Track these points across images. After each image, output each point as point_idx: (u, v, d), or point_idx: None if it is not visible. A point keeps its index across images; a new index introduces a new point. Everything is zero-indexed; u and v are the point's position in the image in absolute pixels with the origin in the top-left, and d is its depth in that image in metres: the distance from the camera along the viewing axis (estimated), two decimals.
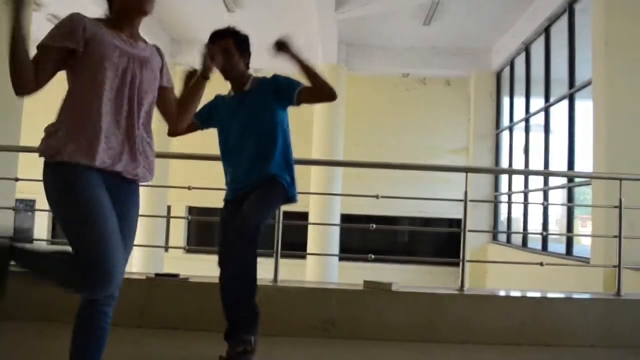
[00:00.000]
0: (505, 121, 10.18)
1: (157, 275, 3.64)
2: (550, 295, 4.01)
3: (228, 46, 2.74)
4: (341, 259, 10.86)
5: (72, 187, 1.81)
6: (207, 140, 3.46)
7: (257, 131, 2.76)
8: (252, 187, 2.72)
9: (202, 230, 14.00)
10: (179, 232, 13.63)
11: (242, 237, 2.56)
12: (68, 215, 1.82)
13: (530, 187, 8.76)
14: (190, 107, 2.22)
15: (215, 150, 2.93)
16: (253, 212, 2.63)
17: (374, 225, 4.03)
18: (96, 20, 1.97)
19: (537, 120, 8.51)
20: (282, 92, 2.76)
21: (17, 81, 1.82)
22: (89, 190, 1.81)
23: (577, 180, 6.85)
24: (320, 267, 10.04)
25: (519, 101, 9.48)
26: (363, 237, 12.01)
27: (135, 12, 2.01)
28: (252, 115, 2.76)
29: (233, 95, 2.88)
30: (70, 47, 1.86)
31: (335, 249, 10.24)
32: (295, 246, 9.32)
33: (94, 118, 1.85)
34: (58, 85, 2.02)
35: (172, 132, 2.39)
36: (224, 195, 2.91)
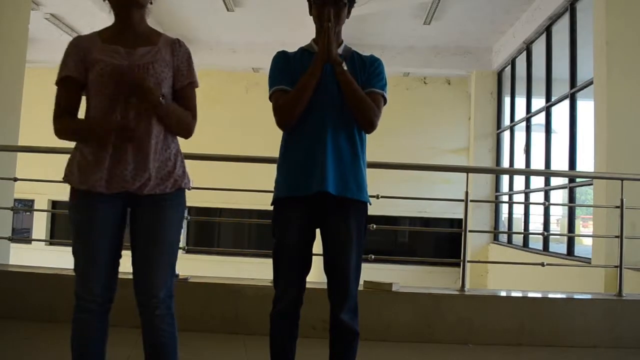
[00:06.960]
0: (506, 121, 10.15)
1: None
2: (551, 295, 4.01)
3: None
4: None
5: (69, 209, 1.92)
6: None
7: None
8: (339, 197, 2.20)
9: (202, 230, 13.96)
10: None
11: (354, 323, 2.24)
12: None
13: (531, 187, 8.74)
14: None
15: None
16: (355, 291, 2.26)
17: (374, 226, 4.00)
18: (95, 35, 1.92)
19: (538, 120, 8.49)
20: (368, 82, 2.20)
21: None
22: (80, 212, 1.89)
23: (578, 180, 6.82)
24: (321, 267, 9.97)
25: (520, 101, 9.45)
26: None
27: (124, 3, 1.87)
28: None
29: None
30: (70, 75, 1.87)
31: None
32: None
33: (83, 144, 1.89)
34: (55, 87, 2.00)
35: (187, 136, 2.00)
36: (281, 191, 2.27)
